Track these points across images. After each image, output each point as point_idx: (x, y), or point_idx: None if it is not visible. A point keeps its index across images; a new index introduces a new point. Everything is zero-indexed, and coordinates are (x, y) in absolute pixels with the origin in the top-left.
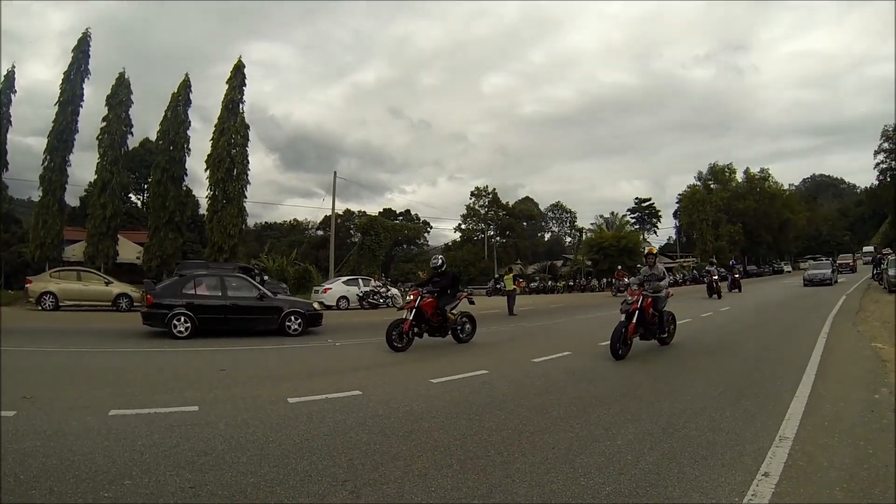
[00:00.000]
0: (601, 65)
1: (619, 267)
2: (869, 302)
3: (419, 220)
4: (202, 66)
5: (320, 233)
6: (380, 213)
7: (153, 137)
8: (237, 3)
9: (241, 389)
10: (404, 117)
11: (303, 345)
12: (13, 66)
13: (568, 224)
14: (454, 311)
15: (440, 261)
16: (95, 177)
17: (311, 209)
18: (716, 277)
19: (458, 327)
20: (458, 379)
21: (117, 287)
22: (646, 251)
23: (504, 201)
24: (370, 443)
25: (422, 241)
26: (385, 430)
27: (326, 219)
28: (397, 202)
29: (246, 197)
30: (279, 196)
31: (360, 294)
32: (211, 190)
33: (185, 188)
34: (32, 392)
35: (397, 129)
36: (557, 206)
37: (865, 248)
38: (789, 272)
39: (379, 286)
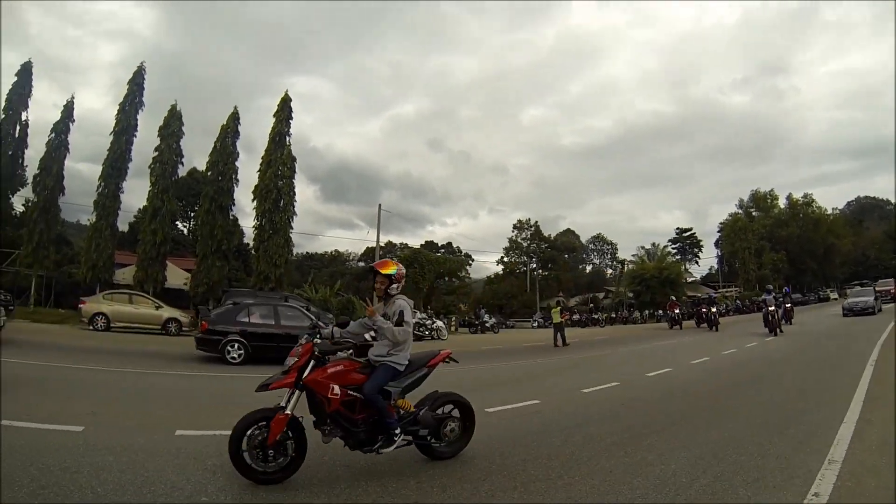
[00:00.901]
0: (638, 93)
1: (673, 298)
2: None
3: (461, 252)
4: (245, 99)
5: (362, 264)
6: (422, 245)
7: (199, 166)
8: (278, 38)
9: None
10: (444, 149)
11: None
12: (72, 97)
13: (609, 256)
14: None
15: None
16: (146, 204)
17: (352, 241)
18: (772, 308)
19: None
20: (512, 409)
21: (167, 311)
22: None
23: (546, 234)
24: (436, 466)
25: (463, 273)
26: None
27: (368, 250)
28: (438, 234)
29: (292, 228)
30: (319, 227)
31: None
32: (258, 220)
33: (232, 217)
34: (97, 409)
35: (437, 161)
36: (598, 238)
37: None
38: (836, 299)
39: (425, 318)
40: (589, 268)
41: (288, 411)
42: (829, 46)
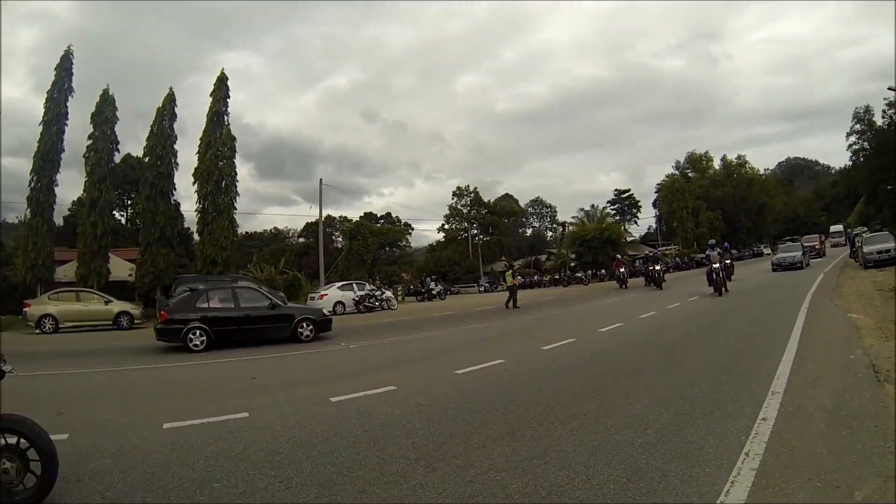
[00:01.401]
0: (574, 59)
1: (619, 256)
2: (845, 279)
3: (400, 222)
4: (174, 79)
5: (302, 240)
6: (361, 217)
7: (133, 153)
8: (207, 13)
9: (281, 395)
10: (379, 120)
11: (318, 350)
12: None
13: (549, 219)
14: None
15: None
16: (83, 195)
17: (292, 217)
18: (716, 265)
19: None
20: (480, 368)
21: (117, 305)
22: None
23: (485, 199)
24: (424, 427)
25: (404, 243)
26: (432, 415)
27: (308, 225)
28: (376, 205)
29: (236, 209)
30: (256, 205)
31: (357, 298)
32: (200, 203)
33: (174, 202)
34: (69, 412)
35: (372, 132)
36: (537, 202)
37: (833, 228)
38: (769, 254)
39: (374, 289)
40: (529, 231)
41: None
42: (761, 14)
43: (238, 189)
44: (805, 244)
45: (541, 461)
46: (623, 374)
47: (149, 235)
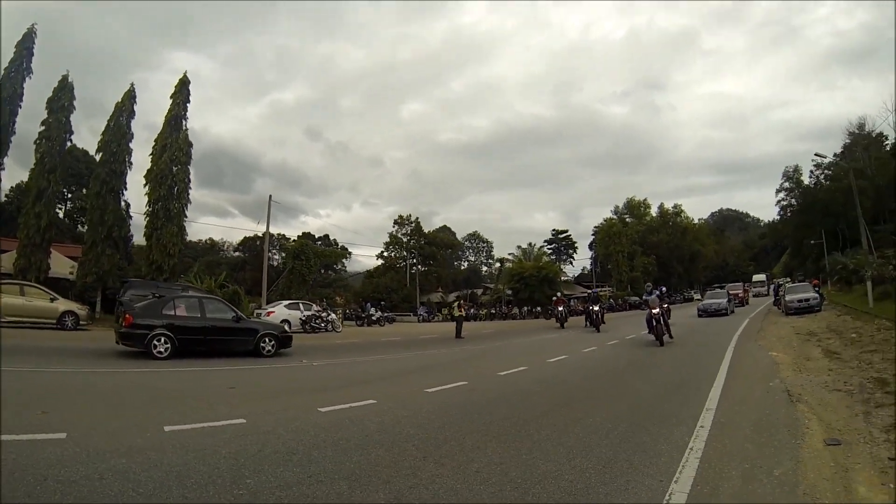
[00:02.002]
0: (521, 96)
1: (559, 294)
2: (768, 324)
3: (337, 245)
4: (123, 72)
5: (238, 254)
6: (299, 236)
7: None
8: (162, 10)
9: (267, 404)
10: (322, 139)
11: (282, 365)
12: None
13: (484, 254)
14: None
15: None
16: (29, 182)
17: (225, 229)
18: (656, 311)
19: None
20: (447, 388)
21: (63, 304)
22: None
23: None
24: (418, 433)
25: (339, 266)
26: (421, 424)
27: (246, 240)
28: (312, 225)
29: (186, 216)
30: (192, 213)
31: (303, 318)
32: (150, 206)
33: (124, 203)
34: (53, 412)
35: (314, 151)
36: (474, 236)
37: (756, 277)
38: (699, 300)
39: (321, 311)
40: (465, 265)
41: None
42: (705, 70)
43: (190, 196)
44: (730, 292)
45: (529, 456)
46: (578, 397)
47: (95, 234)
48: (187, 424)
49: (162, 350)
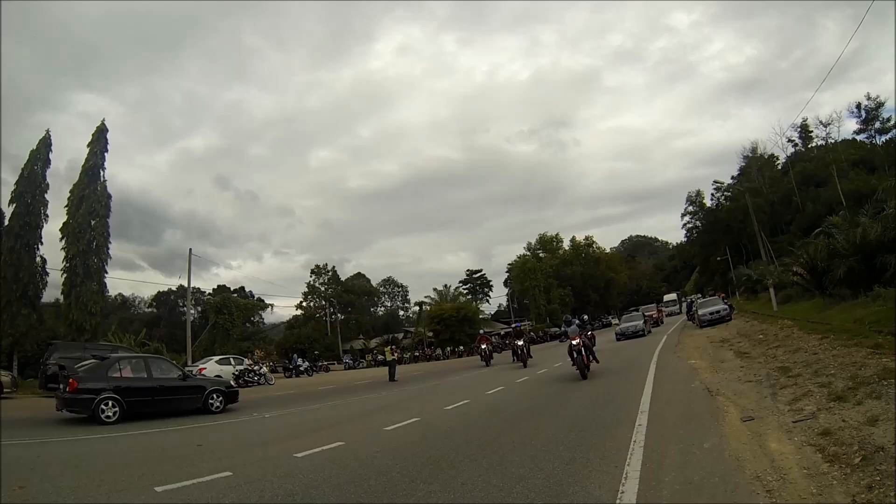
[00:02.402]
0: (427, 139)
1: (483, 332)
2: (685, 337)
3: (254, 296)
4: (19, 112)
5: (152, 310)
6: (214, 289)
7: None
8: (66, 45)
9: (243, 456)
10: (231, 188)
11: (235, 420)
12: None
13: (400, 298)
14: None
15: None
16: None
17: (135, 283)
18: (576, 342)
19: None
20: (403, 425)
21: None
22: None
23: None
24: (396, 463)
25: (256, 318)
26: (396, 456)
27: (159, 294)
28: (223, 277)
29: (107, 272)
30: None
31: (236, 373)
32: (68, 262)
33: (40, 259)
34: (29, 485)
35: (224, 200)
36: (389, 282)
37: (667, 297)
38: (616, 324)
39: (252, 365)
40: (381, 310)
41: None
42: (607, 106)
43: (110, 251)
44: (645, 314)
45: (501, 466)
46: (525, 417)
47: (10, 293)
48: (176, 483)
49: (110, 414)
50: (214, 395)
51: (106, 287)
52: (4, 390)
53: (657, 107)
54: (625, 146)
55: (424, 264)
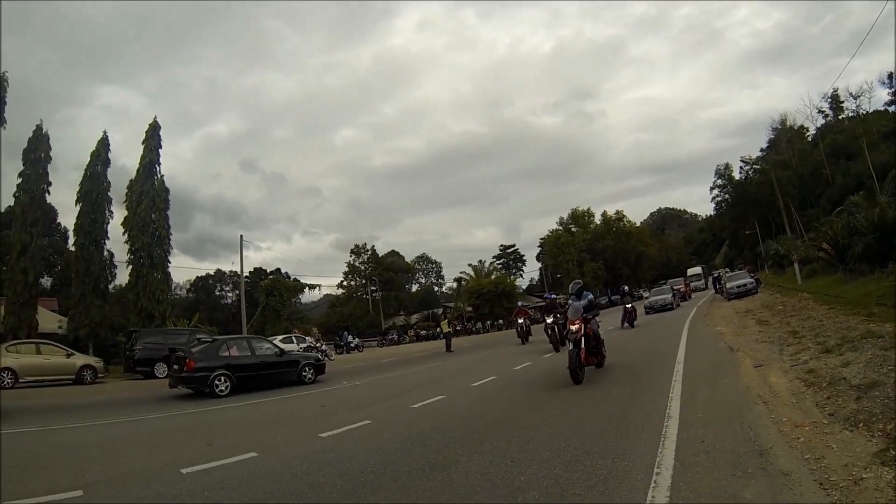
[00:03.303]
0: (452, 115)
1: (521, 304)
2: (714, 308)
3: (289, 277)
4: (48, 109)
5: (192, 295)
6: (250, 272)
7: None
8: (86, 41)
9: (367, 411)
10: (257, 171)
11: (330, 388)
12: None
13: (434, 274)
14: None
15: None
16: (13, 236)
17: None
18: (575, 328)
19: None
20: (487, 381)
21: (80, 359)
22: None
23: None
24: (497, 403)
25: (294, 298)
26: (493, 397)
27: (197, 279)
28: (253, 259)
29: (170, 262)
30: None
31: (300, 350)
32: (132, 254)
33: (107, 253)
34: (215, 440)
35: (251, 183)
36: (422, 258)
37: (691, 271)
38: (647, 296)
39: (313, 342)
40: (416, 287)
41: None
42: (632, 77)
43: (171, 242)
44: (674, 287)
45: (601, 384)
46: (554, 401)
47: (83, 286)
48: (335, 430)
49: (223, 388)
50: (307, 368)
51: (170, 276)
52: (98, 375)
53: (683, 76)
54: (651, 117)
55: (453, 240)
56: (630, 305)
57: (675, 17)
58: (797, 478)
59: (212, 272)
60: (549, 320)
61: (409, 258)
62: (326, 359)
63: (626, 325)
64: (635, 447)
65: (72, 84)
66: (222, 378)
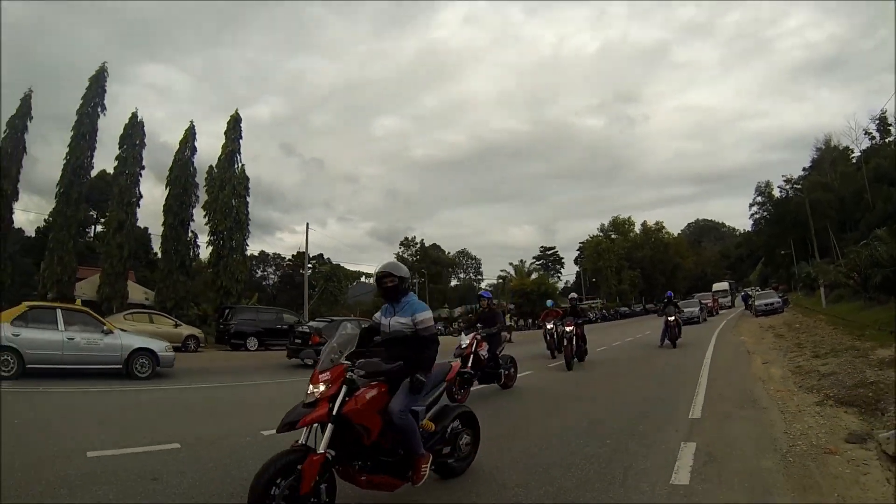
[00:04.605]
0: (494, 111)
1: (551, 303)
2: (742, 323)
3: (331, 263)
4: (97, 87)
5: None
6: (293, 256)
7: (43, 157)
8: (135, 21)
9: None
10: (297, 155)
11: None
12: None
13: (473, 270)
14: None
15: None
16: (110, 215)
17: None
18: (672, 319)
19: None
20: (555, 365)
21: (186, 329)
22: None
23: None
24: (573, 382)
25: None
26: (576, 377)
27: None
28: (288, 242)
29: (247, 246)
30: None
31: None
32: (214, 237)
33: (192, 233)
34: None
35: (289, 167)
36: (463, 254)
37: (717, 287)
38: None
39: None
40: (455, 281)
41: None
42: (677, 83)
43: (250, 227)
44: (702, 301)
45: (648, 365)
46: (589, 395)
47: (170, 263)
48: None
49: None
50: None
51: (248, 259)
52: (200, 345)
53: (729, 85)
54: (694, 125)
55: (488, 236)
56: (673, 318)
57: (723, 24)
58: (769, 409)
59: (255, 253)
60: (569, 329)
61: (452, 253)
62: None
63: (666, 341)
64: (681, 395)
65: (120, 62)
66: None
